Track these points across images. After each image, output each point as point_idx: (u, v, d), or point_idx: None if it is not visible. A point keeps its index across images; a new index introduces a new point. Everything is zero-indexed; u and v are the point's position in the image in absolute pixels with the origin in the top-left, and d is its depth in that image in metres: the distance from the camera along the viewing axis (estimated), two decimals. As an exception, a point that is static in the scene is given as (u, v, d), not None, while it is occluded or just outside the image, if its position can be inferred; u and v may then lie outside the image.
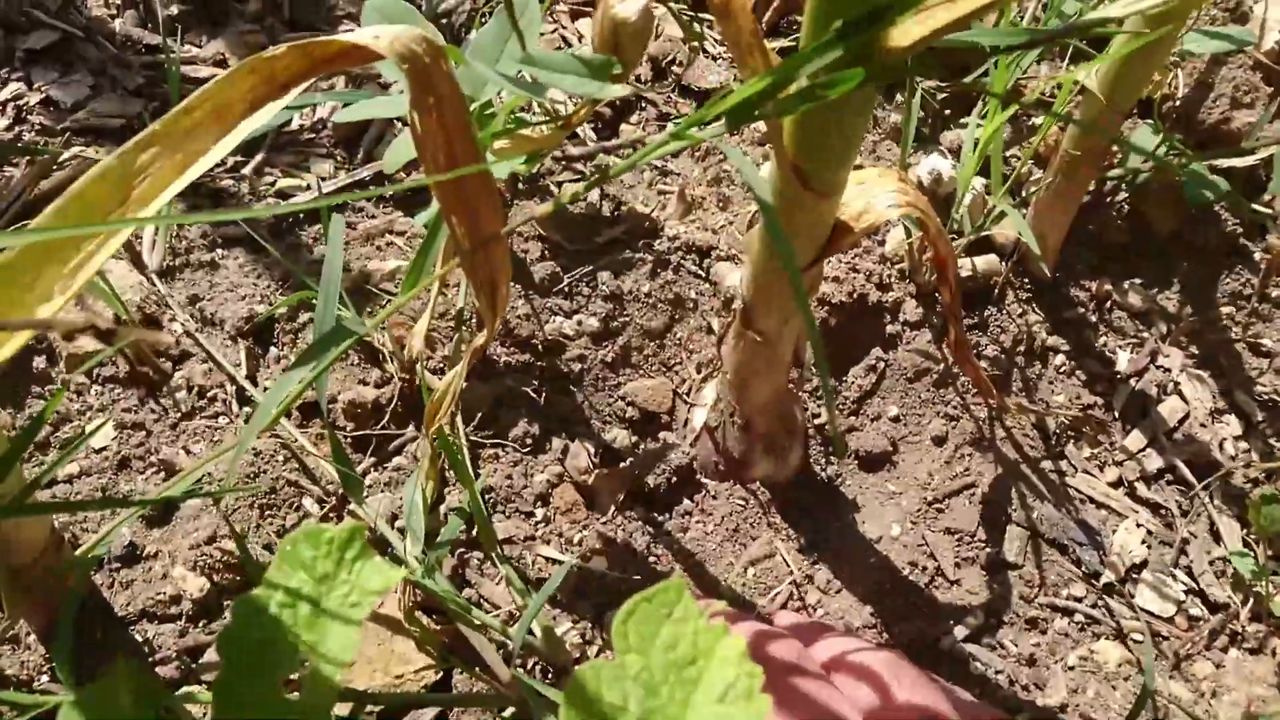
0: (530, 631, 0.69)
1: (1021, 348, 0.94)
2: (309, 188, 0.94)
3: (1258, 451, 0.92)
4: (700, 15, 1.10)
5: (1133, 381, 0.95)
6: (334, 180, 0.95)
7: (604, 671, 0.38)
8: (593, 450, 0.82)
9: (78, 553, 0.68)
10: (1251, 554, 0.84)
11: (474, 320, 0.84)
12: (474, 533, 0.76)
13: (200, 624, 0.71)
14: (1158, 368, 0.96)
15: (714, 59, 1.09)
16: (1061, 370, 0.94)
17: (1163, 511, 0.88)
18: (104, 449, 0.77)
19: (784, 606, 0.78)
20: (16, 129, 0.93)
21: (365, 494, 0.77)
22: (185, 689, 0.67)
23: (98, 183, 0.42)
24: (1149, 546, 0.86)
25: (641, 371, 0.87)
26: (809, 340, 0.84)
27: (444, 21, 1.09)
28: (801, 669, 0.58)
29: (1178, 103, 1.02)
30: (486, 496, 0.78)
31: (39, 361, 0.80)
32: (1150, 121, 0.99)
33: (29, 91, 0.95)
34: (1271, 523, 0.82)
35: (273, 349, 0.85)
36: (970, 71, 1.04)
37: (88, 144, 0.93)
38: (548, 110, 0.78)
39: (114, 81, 0.98)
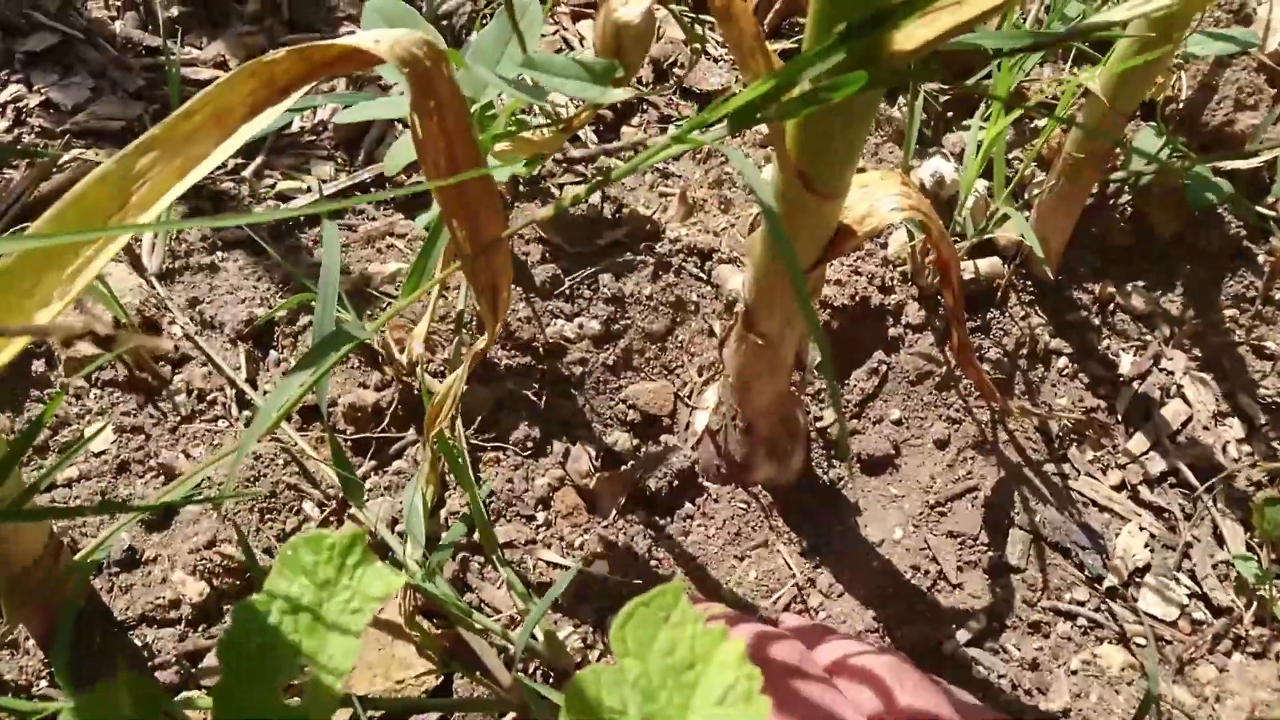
0: (532, 635, 0.68)
1: (1024, 350, 0.94)
2: (309, 190, 0.94)
3: (1261, 454, 0.92)
4: (702, 17, 1.10)
5: (1135, 384, 0.94)
6: (334, 182, 0.95)
7: (603, 676, 0.38)
8: (594, 453, 0.82)
9: (77, 557, 0.67)
10: (1255, 558, 0.84)
11: (474, 323, 0.83)
12: (475, 536, 0.76)
13: (200, 629, 0.71)
14: (1161, 370, 0.95)
15: (716, 61, 1.09)
16: (1064, 373, 0.94)
17: (1166, 515, 0.88)
18: (103, 453, 0.77)
19: (786, 610, 0.78)
20: (16, 131, 0.92)
21: (365, 498, 0.76)
22: (185, 694, 0.67)
23: (97, 187, 0.42)
24: (1152, 550, 0.85)
25: (643, 374, 0.87)
26: (812, 343, 0.84)
27: (444, 23, 1.09)
28: (803, 671, 0.58)
29: (1181, 105, 1.01)
30: (487, 500, 0.78)
31: (38, 365, 0.80)
32: (1153, 124, 0.99)
33: (29, 94, 0.95)
34: (1275, 526, 0.82)
35: (273, 352, 0.84)
36: (972, 73, 1.04)
37: (88, 146, 0.93)
38: (548, 113, 0.78)
39: (114, 84, 0.98)
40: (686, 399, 0.87)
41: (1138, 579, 0.84)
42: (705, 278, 0.92)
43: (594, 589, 0.76)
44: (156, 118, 0.93)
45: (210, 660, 0.69)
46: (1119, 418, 0.93)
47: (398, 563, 0.71)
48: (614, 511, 0.80)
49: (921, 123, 1.03)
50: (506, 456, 0.80)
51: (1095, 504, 0.88)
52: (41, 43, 0.98)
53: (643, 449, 0.84)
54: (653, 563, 0.79)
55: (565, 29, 1.11)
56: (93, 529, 0.74)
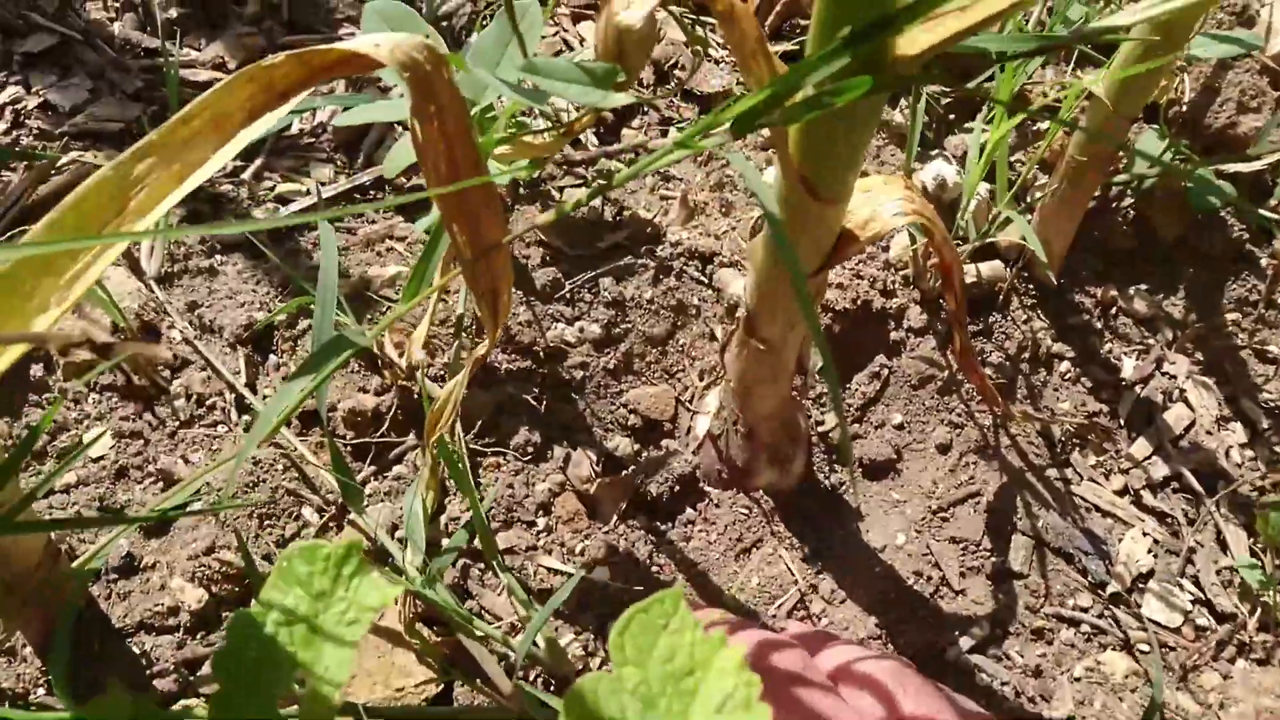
0: (533, 643, 0.68)
1: (1026, 354, 0.93)
2: (309, 192, 0.94)
3: (1263, 459, 0.91)
4: (703, 19, 1.09)
5: (1138, 388, 0.94)
6: (334, 185, 0.94)
7: (602, 684, 0.38)
8: (595, 458, 0.82)
9: (75, 564, 0.67)
10: (1259, 563, 0.83)
11: (474, 327, 0.83)
12: (475, 543, 0.75)
13: (199, 635, 0.71)
14: (1163, 374, 0.95)
15: (716, 63, 1.08)
16: (1066, 377, 0.94)
17: (1169, 520, 0.88)
18: (101, 458, 0.77)
19: (789, 616, 0.78)
20: (14, 133, 0.92)
21: (365, 503, 0.76)
22: (183, 702, 0.67)
23: (95, 193, 0.41)
24: (1155, 556, 0.85)
25: (644, 379, 0.87)
26: (816, 348, 0.84)
27: (444, 24, 1.08)
28: (805, 678, 0.57)
29: (1184, 107, 1.01)
30: (488, 507, 0.78)
31: (36, 370, 0.79)
32: (1156, 126, 0.98)
33: (27, 95, 0.95)
34: (1279, 533, 0.81)
35: (272, 356, 0.84)
36: (974, 75, 1.04)
37: (86, 148, 0.92)
38: (549, 116, 0.78)
39: (112, 85, 0.97)
40: (688, 403, 0.87)
41: (1141, 585, 0.84)
42: (706, 281, 0.91)
43: (595, 596, 0.75)
44: (155, 119, 0.93)
45: (209, 668, 0.69)
46: (1121, 422, 0.92)
47: (397, 569, 0.70)
48: (615, 517, 0.79)
49: (924, 125, 1.03)
50: (507, 461, 0.80)
51: (1098, 509, 0.87)
52: (39, 44, 0.98)
53: (644, 454, 0.83)
54: (654, 569, 0.78)
55: (565, 30, 1.11)
56: (91, 535, 0.73)
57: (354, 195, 0.95)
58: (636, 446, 0.83)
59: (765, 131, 0.94)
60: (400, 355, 0.80)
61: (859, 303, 0.90)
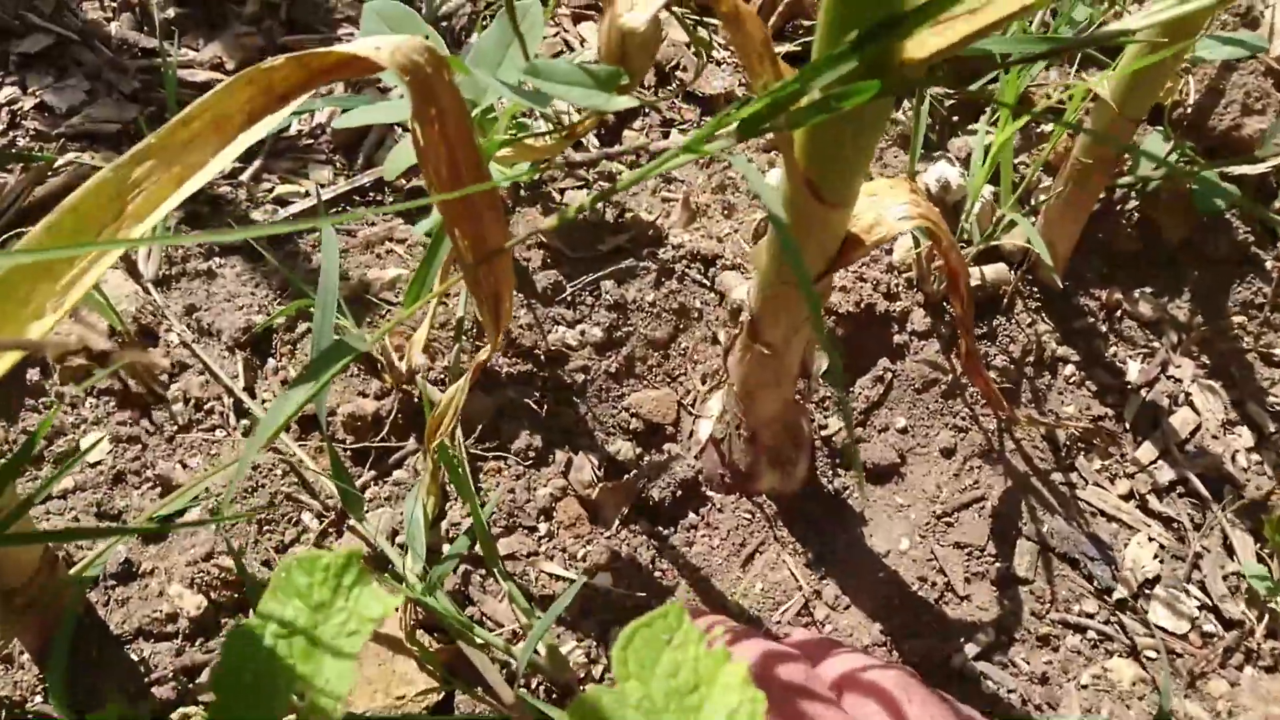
0: (534, 650, 0.67)
1: (1031, 358, 0.92)
2: (308, 194, 0.93)
3: (1270, 464, 0.90)
4: (705, 20, 1.09)
5: (1143, 392, 0.93)
6: (333, 186, 0.93)
7: (605, 699, 0.37)
8: (596, 463, 0.81)
9: (73, 571, 0.66)
10: (1266, 569, 0.83)
11: (475, 330, 0.82)
12: (476, 548, 0.74)
13: (197, 642, 0.70)
14: (1169, 378, 0.94)
15: (718, 64, 1.08)
16: (1071, 381, 0.93)
17: (1175, 525, 0.87)
18: (99, 463, 0.76)
19: (792, 622, 0.77)
20: (11, 134, 0.91)
21: (365, 509, 0.75)
22: (181, 710, 0.66)
23: (93, 196, 0.41)
24: (1161, 561, 0.84)
25: (646, 382, 0.86)
26: (822, 353, 0.83)
27: (444, 24, 1.08)
28: (809, 691, 0.57)
29: (1188, 109, 1.00)
30: (489, 513, 0.77)
31: (33, 374, 0.79)
32: (1160, 128, 0.98)
33: (23, 96, 0.94)
34: (1287, 538, 0.81)
35: (270, 360, 0.83)
36: (978, 77, 1.03)
37: (83, 149, 0.92)
38: (551, 118, 0.77)
39: (110, 86, 0.97)
40: (690, 407, 0.86)
41: (1147, 590, 0.83)
42: (709, 284, 0.91)
43: (597, 602, 0.75)
44: (152, 120, 0.93)
45: (208, 675, 0.68)
46: (1127, 426, 0.92)
47: (398, 576, 0.69)
48: (617, 522, 0.79)
49: (927, 127, 1.02)
50: (508, 466, 0.79)
51: (1103, 514, 0.87)
52: (36, 44, 0.97)
53: (646, 458, 0.82)
54: (657, 574, 0.78)
55: (566, 31, 1.10)
56: (89, 541, 0.72)
57: (353, 197, 0.94)
58: (638, 451, 0.83)
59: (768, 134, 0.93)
60: (400, 359, 0.79)
61: (862, 306, 0.90)
